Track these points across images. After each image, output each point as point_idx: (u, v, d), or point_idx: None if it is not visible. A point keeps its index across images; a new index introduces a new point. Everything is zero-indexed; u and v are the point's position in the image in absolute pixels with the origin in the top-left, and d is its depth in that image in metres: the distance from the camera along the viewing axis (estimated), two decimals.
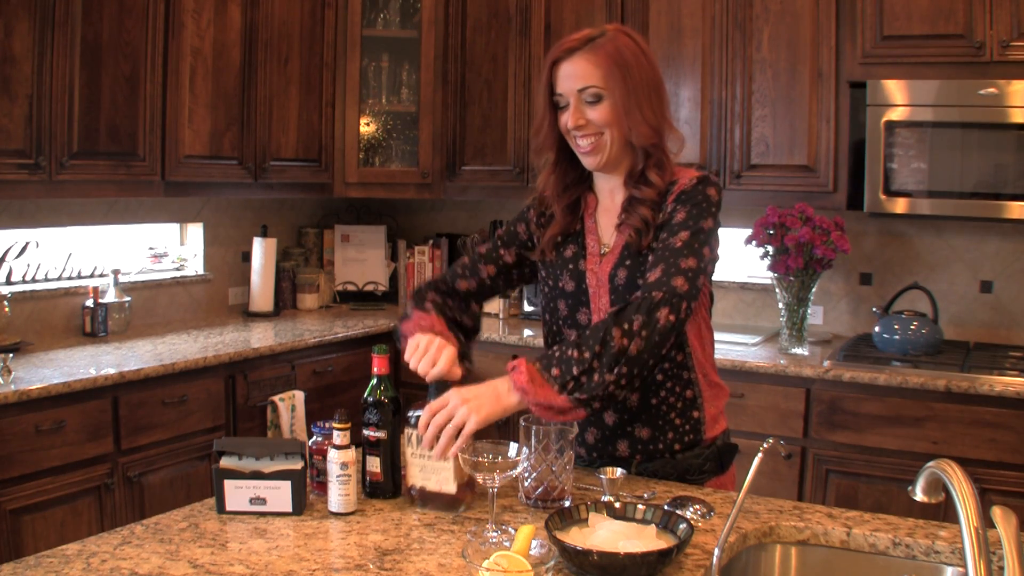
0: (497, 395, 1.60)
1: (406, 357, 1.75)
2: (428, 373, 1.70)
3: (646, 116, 1.75)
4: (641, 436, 1.83)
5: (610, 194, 1.87)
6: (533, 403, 1.57)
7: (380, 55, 4.28)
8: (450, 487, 1.65)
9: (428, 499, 1.67)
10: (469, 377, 1.76)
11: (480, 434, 1.61)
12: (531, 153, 1.93)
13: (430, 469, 1.65)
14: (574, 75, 1.75)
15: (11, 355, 2.84)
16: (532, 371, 1.59)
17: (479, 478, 1.55)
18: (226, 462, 1.68)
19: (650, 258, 1.71)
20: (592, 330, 1.61)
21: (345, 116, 4.17)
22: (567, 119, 1.77)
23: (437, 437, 1.60)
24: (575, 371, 1.57)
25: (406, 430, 1.69)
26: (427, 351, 1.72)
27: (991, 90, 3.03)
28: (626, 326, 1.57)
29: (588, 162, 1.81)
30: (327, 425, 1.72)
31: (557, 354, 1.60)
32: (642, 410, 1.81)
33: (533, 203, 1.96)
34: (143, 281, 3.77)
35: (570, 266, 1.86)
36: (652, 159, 1.78)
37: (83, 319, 3.46)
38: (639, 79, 1.74)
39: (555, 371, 1.58)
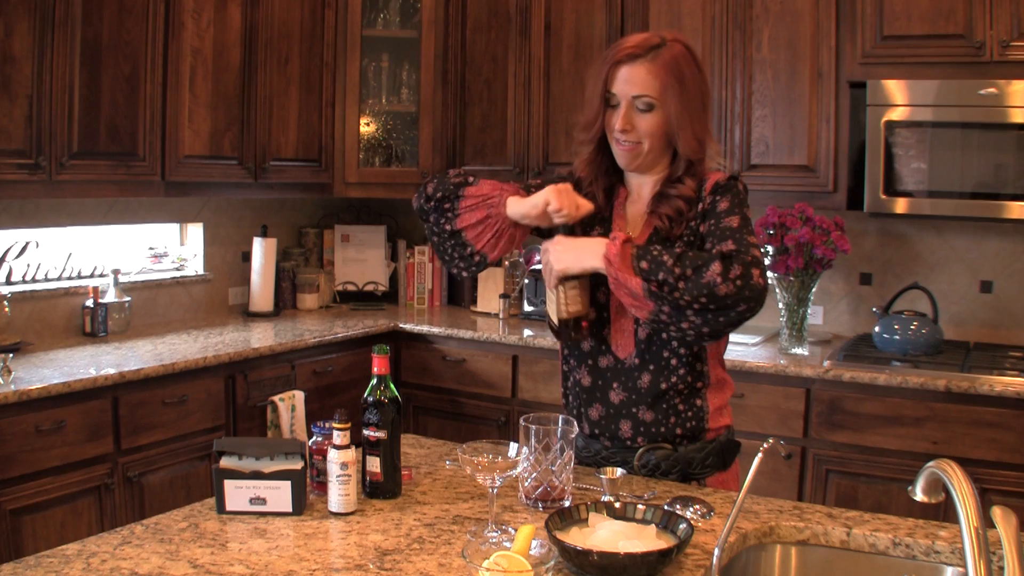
0: (583, 255, 1.74)
1: (549, 201, 1.78)
2: (574, 215, 1.79)
3: (695, 130, 1.82)
4: (644, 419, 1.85)
5: (638, 189, 1.93)
6: (612, 275, 1.69)
7: (380, 55, 4.28)
8: (553, 319, 1.85)
9: (549, 325, 1.90)
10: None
11: (480, 434, 1.61)
12: (574, 143, 2.00)
13: (550, 300, 1.86)
14: (632, 81, 1.81)
15: (11, 355, 2.84)
16: (626, 250, 1.69)
17: (479, 478, 1.55)
18: (226, 462, 1.68)
19: (709, 240, 1.77)
20: (696, 255, 1.67)
21: (345, 116, 4.17)
22: (615, 119, 1.83)
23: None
24: (660, 276, 1.64)
25: None
26: (570, 195, 1.80)
27: (991, 90, 3.03)
28: (726, 267, 1.63)
29: (622, 161, 1.89)
30: (327, 425, 1.72)
31: (655, 252, 1.68)
32: (649, 393, 1.84)
33: (568, 177, 2.00)
34: (143, 281, 3.77)
35: None
36: (691, 168, 1.85)
37: (83, 319, 3.46)
38: (692, 92, 1.81)
39: (644, 264, 1.66)
